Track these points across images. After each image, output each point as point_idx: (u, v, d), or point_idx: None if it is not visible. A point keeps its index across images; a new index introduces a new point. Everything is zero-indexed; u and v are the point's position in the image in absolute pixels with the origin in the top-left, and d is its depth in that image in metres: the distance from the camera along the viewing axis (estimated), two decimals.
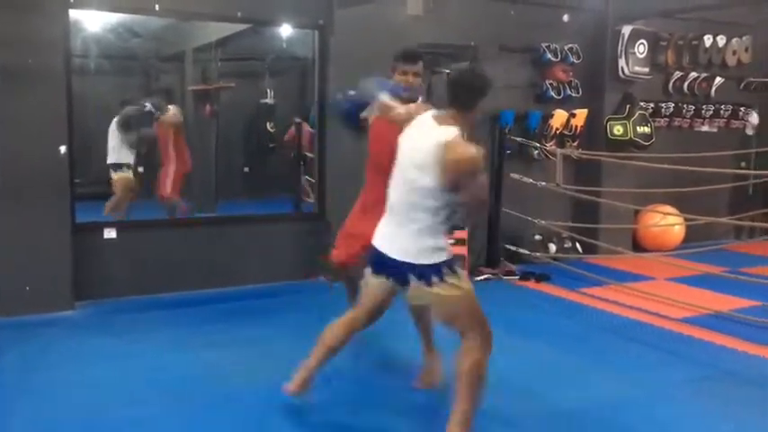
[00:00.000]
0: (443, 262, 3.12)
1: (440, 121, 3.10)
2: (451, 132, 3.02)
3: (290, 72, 8.23)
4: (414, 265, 3.13)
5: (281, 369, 4.09)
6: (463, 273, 3.24)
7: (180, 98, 8.15)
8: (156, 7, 5.60)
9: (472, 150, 2.98)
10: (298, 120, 7.32)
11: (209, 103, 7.81)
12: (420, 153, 3.05)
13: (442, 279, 3.10)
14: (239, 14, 6.00)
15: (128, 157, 6.81)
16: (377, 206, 3.44)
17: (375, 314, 3.43)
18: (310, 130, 7.03)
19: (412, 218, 3.12)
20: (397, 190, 3.20)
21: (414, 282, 3.15)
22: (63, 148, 5.23)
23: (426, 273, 3.11)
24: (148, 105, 6.85)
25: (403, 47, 4.12)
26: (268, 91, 8.25)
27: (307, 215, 6.89)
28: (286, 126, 7.78)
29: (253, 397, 3.75)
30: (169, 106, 7.05)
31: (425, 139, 3.05)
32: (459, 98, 3.10)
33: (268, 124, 8.25)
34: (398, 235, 3.18)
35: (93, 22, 6.30)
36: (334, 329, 3.49)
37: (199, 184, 7.95)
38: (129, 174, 6.81)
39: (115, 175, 6.76)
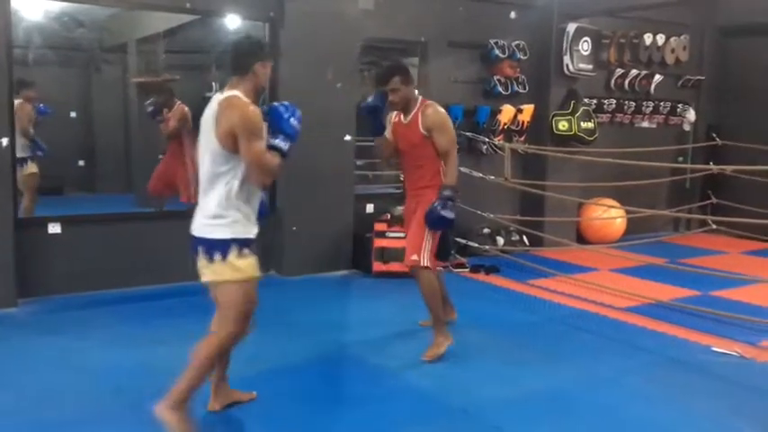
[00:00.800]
0: (232, 239, 3.06)
1: (225, 90, 3.15)
2: (228, 93, 3.09)
3: None
4: (201, 238, 3.09)
5: (233, 365, 4.10)
6: (253, 259, 3.14)
7: (123, 90, 8.00)
8: None
9: (244, 108, 3.00)
10: None
11: (154, 95, 7.66)
12: (207, 119, 3.09)
13: (224, 258, 3.05)
14: (188, 5, 5.90)
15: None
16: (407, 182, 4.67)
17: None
18: None
19: (207, 190, 3.10)
20: (201, 165, 3.16)
21: (201, 255, 3.10)
22: (5, 141, 5.07)
23: (210, 247, 3.07)
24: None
25: (374, 72, 4.58)
26: (214, 84, 8.13)
27: None
28: None
29: (200, 393, 3.71)
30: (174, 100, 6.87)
31: (211, 105, 3.11)
32: (233, 64, 3.18)
33: None
34: (198, 210, 3.16)
35: (35, 11, 6.11)
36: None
37: (142, 178, 7.81)
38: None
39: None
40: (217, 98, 3.11)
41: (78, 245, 5.59)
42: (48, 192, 6.50)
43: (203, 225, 3.11)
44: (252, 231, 3.15)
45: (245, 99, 3.08)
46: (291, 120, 3.20)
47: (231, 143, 3.00)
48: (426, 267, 4.25)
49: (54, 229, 5.50)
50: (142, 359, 4.21)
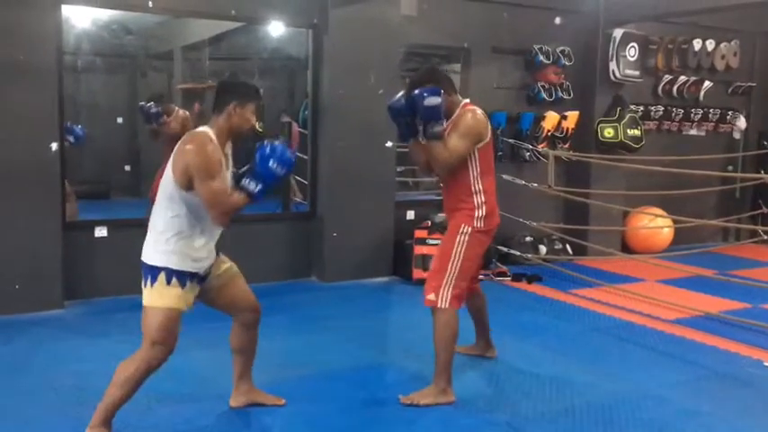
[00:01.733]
0: (165, 268, 3.08)
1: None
2: (198, 129, 3.11)
3: (280, 71, 8.20)
4: (142, 261, 3.18)
5: (270, 369, 4.11)
6: (180, 290, 3.13)
7: (168, 96, 8.12)
8: (150, 4, 5.55)
9: (201, 146, 2.99)
10: (287, 119, 7.29)
11: (198, 102, 7.76)
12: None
13: (152, 284, 3.10)
14: (233, 12, 5.97)
15: None
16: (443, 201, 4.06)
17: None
18: (300, 129, 7.01)
19: (158, 207, 3.14)
20: (162, 180, 3.16)
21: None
22: (54, 145, 5.18)
23: (144, 271, 3.15)
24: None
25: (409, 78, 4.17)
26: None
27: (297, 215, 6.87)
28: (274, 125, 7.75)
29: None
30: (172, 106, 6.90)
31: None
32: (214, 100, 3.19)
33: (256, 124, 8.19)
34: (150, 222, 3.20)
35: (85, 19, 6.25)
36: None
37: None
38: None
39: None
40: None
41: (124, 248, 5.63)
42: (95, 196, 6.63)
43: (146, 243, 3.18)
44: (192, 266, 3.14)
45: (211, 137, 3.07)
46: (271, 162, 3.08)
47: (185, 181, 3.01)
48: (445, 309, 3.69)
49: (101, 232, 5.60)
50: (184, 362, 4.22)
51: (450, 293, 3.67)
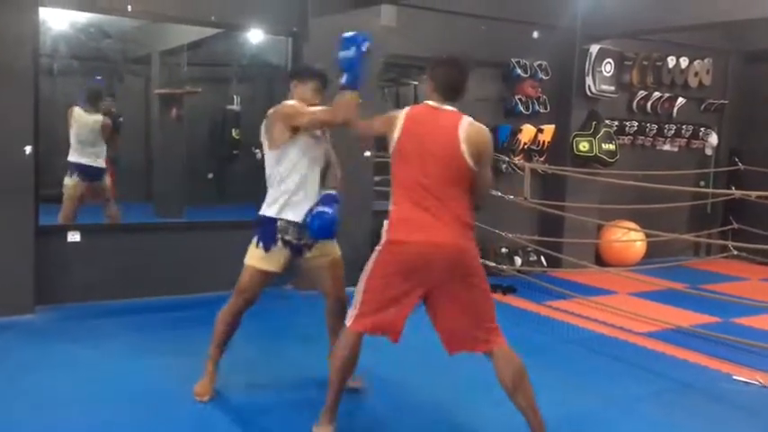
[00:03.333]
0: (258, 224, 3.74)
1: None
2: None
3: (258, 79, 8.19)
4: None
5: (244, 376, 4.10)
6: (259, 251, 3.77)
7: (145, 101, 8.07)
8: (129, 8, 5.53)
9: (280, 107, 3.70)
10: None
11: (176, 107, 7.72)
12: None
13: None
14: (213, 18, 5.96)
15: None
16: None
17: None
18: None
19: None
20: None
21: None
22: (28, 149, 5.12)
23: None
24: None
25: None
26: (235, 97, 8.19)
27: None
28: (252, 133, 7.73)
29: (215, 403, 3.72)
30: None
31: None
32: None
33: (233, 131, 8.18)
34: None
35: (63, 21, 6.18)
36: None
37: (165, 189, 7.85)
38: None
39: None
40: None
41: (97, 254, 5.62)
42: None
43: None
44: (281, 214, 3.67)
45: (290, 103, 3.78)
46: (342, 53, 3.53)
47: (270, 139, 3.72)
48: (346, 328, 3.26)
49: (73, 237, 5.54)
50: (155, 369, 4.20)
51: (354, 312, 3.22)
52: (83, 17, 6.16)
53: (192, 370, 4.18)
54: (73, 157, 6.38)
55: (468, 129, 3.07)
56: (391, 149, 3.21)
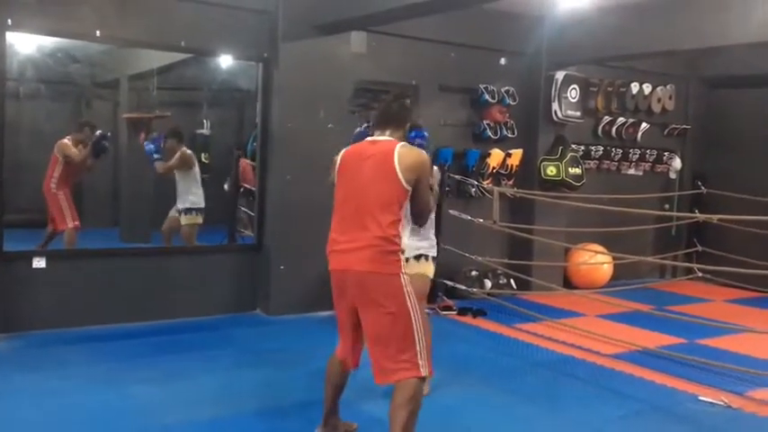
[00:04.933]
0: None
1: None
2: None
3: (228, 103, 8.19)
4: None
5: (211, 404, 4.06)
6: None
7: (113, 125, 8.01)
8: (98, 33, 5.51)
9: None
10: (237, 152, 7.26)
11: (144, 131, 7.67)
12: None
13: None
14: (183, 44, 5.96)
15: None
16: None
17: None
18: (249, 162, 7.00)
19: None
20: None
21: None
22: None
23: None
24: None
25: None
26: (205, 121, 8.17)
27: (244, 247, 6.81)
28: (221, 157, 7.73)
29: None
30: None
31: None
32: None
33: (203, 155, 8.14)
34: None
35: (30, 46, 6.14)
36: None
37: (131, 214, 7.78)
38: None
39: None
40: None
41: (63, 280, 5.53)
42: (35, 225, 6.45)
43: None
44: None
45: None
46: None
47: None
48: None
49: (39, 263, 5.45)
50: (124, 398, 4.14)
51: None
52: (51, 42, 6.13)
53: (160, 399, 4.14)
54: None
55: (401, 151, 3.21)
56: (335, 184, 3.41)
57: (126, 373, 4.60)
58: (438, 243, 4.39)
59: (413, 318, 3.13)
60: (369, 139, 3.42)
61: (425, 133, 4.40)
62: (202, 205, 7.04)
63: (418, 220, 3.45)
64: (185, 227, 6.96)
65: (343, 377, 3.51)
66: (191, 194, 7.00)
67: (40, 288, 5.42)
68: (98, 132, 6.73)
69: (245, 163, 7.16)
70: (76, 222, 6.58)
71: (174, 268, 6.11)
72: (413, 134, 4.07)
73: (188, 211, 6.98)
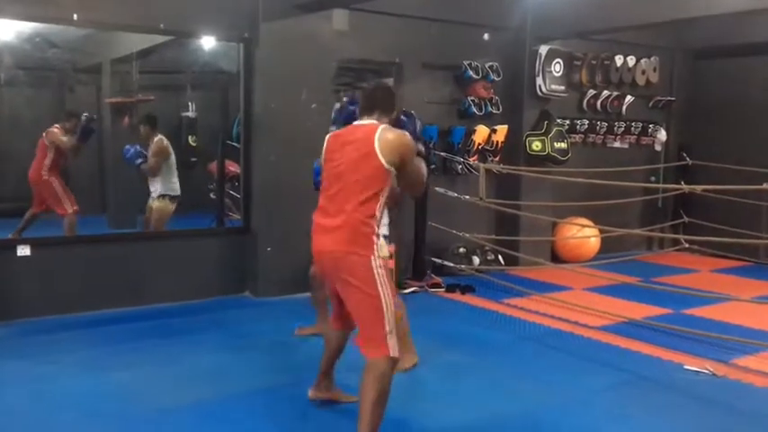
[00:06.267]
0: None
1: None
2: None
3: (213, 85, 8.13)
4: None
5: (199, 389, 4.07)
6: None
7: (97, 111, 7.95)
8: (75, 17, 5.43)
9: None
10: (223, 137, 7.19)
11: (128, 115, 7.62)
12: None
13: None
14: (162, 26, 5.89)
15: None
16: None
17: None
18: (234, 144, 6.95)
19: None
20: None
21: None
22: None
23: None
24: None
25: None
26: (190, 104, 8.12)
27: (231, 230, 6.80)
28: (208, 140, 7.69)
29: (172, 417, 3.69)
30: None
31: None
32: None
33: (190, 138, 8.10)
34: None
35: (6, 31, 6.05)
36: None
37: (118, 201, 7.74)
38: None
39: None
40: None
41: (48, 267, 5.51)
42: (18, 214, 6.41)
43: None
44: None
45: None
46: None
47: None
48: None
49: (23, 251, 5.42)
50: (111, 384, 4.15)
51: None
52: (27, 27, 6.04)
53: (148, 384, 4.15)
54: None
55: (382, 133, 3.23)
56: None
57: (113, 359, 4.61)
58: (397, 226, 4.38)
59: (383, 299, 3.16)
60: (355, 123, 3.46)
61: (409, 118, 4.40)
62: (176, 193, 6.87)
63: (414, 195, 3.57)
64: (155, 211, 6.79)
65: (338, 339, 3.66)
66: (166, 182, 6.83)
67: (25, 276, 5.40)
68: (84, 115, 6.67)
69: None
70: (75, 207, 6.56)
71: (162, 253, 6.09)
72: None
73: (162, 196, 6.80)
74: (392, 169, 3.23)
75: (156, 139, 6.81)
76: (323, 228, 3.31)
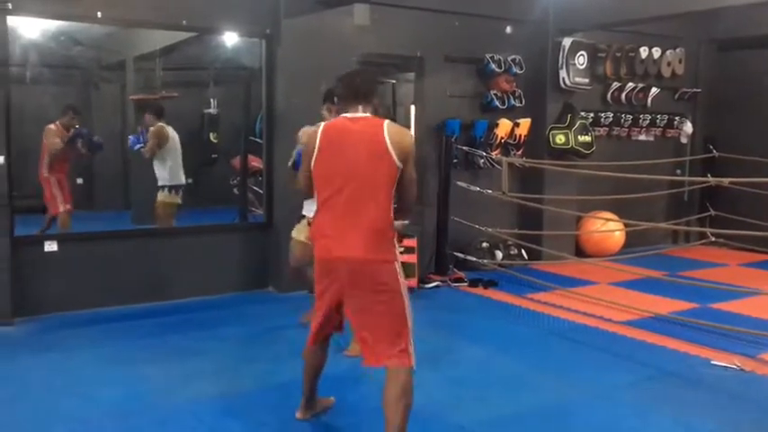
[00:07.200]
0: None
1: None
2: None
3: (235, 82, 8.16)
4: None
5: (225, 382, 4.10)
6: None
7: (121, 107, 8.03)
8: (99, 14, 5.48)
9: None
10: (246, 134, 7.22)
11: (150, 112, 7.67)
12: None
13: None
14: (185, 23, 5.93)
15: None
16: None
17: None
18: (256, 140, 6.97)
19: None
20: None
21: None
22: (1, 159, 5.07)
23: None
24: None
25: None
26: (212, 101, 8.16)
27: (254, 225, 6.83)
28: (230, 136, 7.73)
29: (197, 410, 3.72)
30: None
31: None
32: None
33: (211, 135, 8.16)
34: None
35: (32, 30, 6.13)
36: None
37: (142, 197, 7.80)
38: None
39: None
40: None
41: (75, 263, 5.58)
42: (44, 210, 6.50)
43: None
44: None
45: None
46: None
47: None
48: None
49: (50, 247, 5.49)
50: (137, 377, 4.19)
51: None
52: (53, 25, 6.11)
53: (172, 377, 4.19)
54: None
55: (391, 130, 3.05)
56: (312, 165, 3.17)
57: (139, 353, 4.65)
58: None
59: (406, 307, 3.07)
60: (346, 115, 3.18)
61: None
62: (176, 183, 6.82)
63: (404, 199, 3.19)
64: (158, 206, 6.77)
65: (322, 354, 3.46)
66: (165, 171, 6.80)
67: (51, 271, 5.46)
68: (74, 129, 6.62)
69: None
70: (68, 206, 6.58)
71: (186, 248, 6.14)
72: None
73: (161, 188, 6.79)
74: (401, 167, 3.05)
75: (157, 125, 6.82)
76: (336, 232, 3.06)
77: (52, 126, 6.57)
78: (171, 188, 6.80)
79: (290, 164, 4.67)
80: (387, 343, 3.05)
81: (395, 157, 3.02)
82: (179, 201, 6.86)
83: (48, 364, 4.45)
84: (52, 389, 4.02)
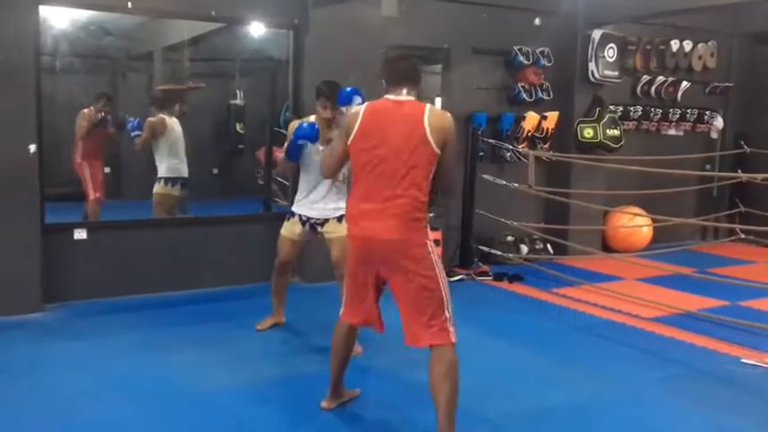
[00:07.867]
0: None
1: None
2: None
3: (261, 73, 8.18)
4: None
5: (253, 371, 4.12)
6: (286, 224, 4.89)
7: (149, 98, 8.07)
8: (129, 4, 5.52)
9: None
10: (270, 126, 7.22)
11: (179, 103, 7.72)
12: None
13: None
14: (213, 13, 5.95)
15: None
16: None
17: None
18: (280, 131, 6.97)
19: None
20: None
21: None
22: (33, 147, 5.13)
23: None
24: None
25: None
26: (238, 92, 8.18)
27: (279, 215, 6.81)
28: (255, 127, 7.75)
29: (224, 398, 3.74)
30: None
31: None
32: None
33: (237, 125, 8.17)
34: None
35: (63, 20, 6.19)
36: None
37: None
38: None
39: None
40: None
41: (104, 251, 5.65)
42: (74, 198, 6.57)
43: None
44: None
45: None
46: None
47: None
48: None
49: (80, 234, 5.56)
50: (168, 364, 4.23)
51: (342, 302, 3.45)
52: (83, 15, 6.17)
53: (203, 365, 4.23)
54: None
55: (432, 114, 3.11)
56: (350, 143, 3.22)
57: (168, 340, 4.70)
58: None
59: (441, 284, 3.10)
60: (389, 97, 3.23)
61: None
62: (173, 175, 6.75)
63: (446, 183, 3.29)
64: (155, 196, 6.69)
65: (350, 337, 3.51)
66: (162, 162, 6.73)
67: (81, 259, 5.53)
68: (100, 114, 6.62)
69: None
70: (98, 194, 6.59)
71: (212, 238, 6.18)
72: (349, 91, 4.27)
73: (158, 180, 6.71)
74: (439, 152, 3.09)
75: (158, 116, 6.78)
76: (370, 213, 3.12)
77: (86, 110, 6.63)
78: (168, 180, 6.74)
79: (282, 155, 4.76)
80: (423, 323, 3.10)
81: (432, 142, 3.07)
82: (176, 193, 6.79)
83: (77, 349, 4.51)
84: (80, 374, 4.07)
